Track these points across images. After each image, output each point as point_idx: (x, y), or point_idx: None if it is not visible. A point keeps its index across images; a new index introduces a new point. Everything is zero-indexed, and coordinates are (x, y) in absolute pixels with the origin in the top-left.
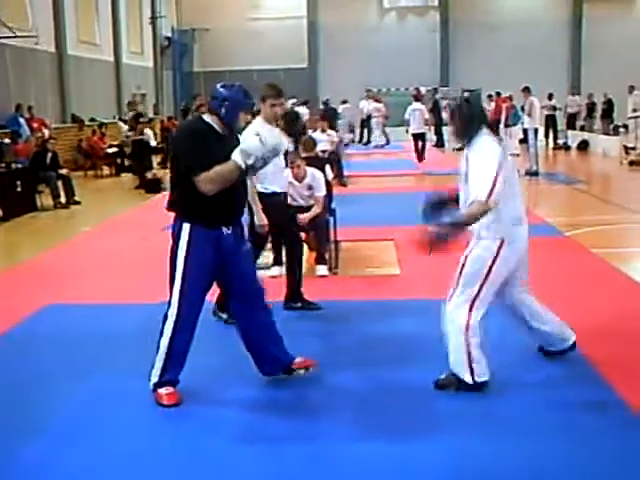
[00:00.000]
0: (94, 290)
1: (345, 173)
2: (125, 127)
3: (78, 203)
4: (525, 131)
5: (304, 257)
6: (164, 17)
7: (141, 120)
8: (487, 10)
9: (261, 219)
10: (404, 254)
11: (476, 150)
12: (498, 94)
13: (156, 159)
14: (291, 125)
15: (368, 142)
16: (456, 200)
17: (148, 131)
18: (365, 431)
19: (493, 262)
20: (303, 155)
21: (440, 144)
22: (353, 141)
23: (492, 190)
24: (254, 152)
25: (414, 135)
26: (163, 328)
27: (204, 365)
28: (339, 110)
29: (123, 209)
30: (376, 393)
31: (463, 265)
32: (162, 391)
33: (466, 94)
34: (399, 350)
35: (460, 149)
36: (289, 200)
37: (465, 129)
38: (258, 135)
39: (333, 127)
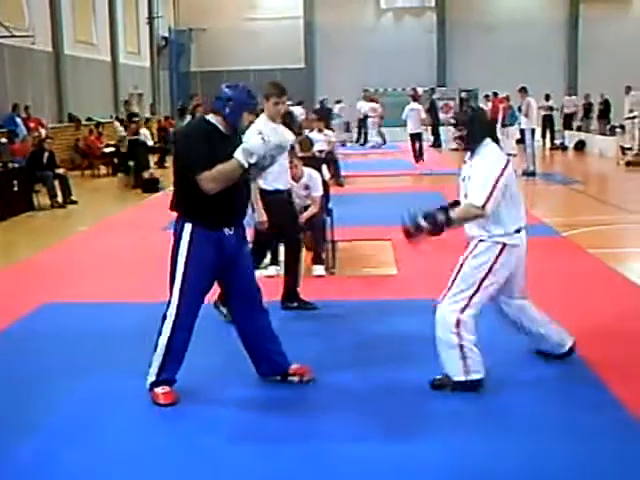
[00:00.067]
0: (91, 289)
1: (342, 173)
2: (121, 127)
3: (75, 203)
4: (522, 131)
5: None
6: (161, 17)
7: (135, 120)
8: (484, 11)
9: (261, 215)
10: (401, 254)
11: (481, 157)
12: (495, 94)
13: (153, 159)
14: (287, 125)
15: (365, 142)
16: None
17: (145, 131)
18: (363, 431)
19: (492, 266)
20: (300, 155)
21: (437, 144)
22: (351, 141)
23: (489, 197)
24: (256, 151)
25: (411, 135)
26: (162, 327)
27: (202, 364)
28: (334, 110)
29: (120, 209)
30: (373, 393)
31: (461, 267)
32: (159, 390)
33: (463, 94)
34: (396, 350)
35: (457, 149)
36: None
37: (473, 137)
38: (260, 134)
39: (329, 127)
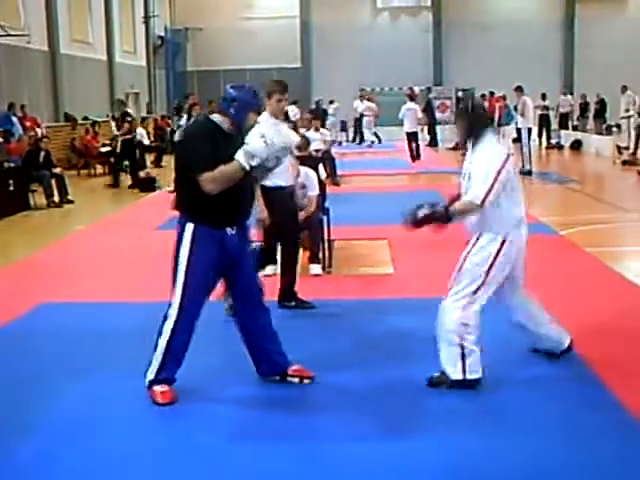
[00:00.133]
0: (89, 288)
1: (338, 172)
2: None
3: (71, 202)
4: (519, 131)
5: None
6: (157, 16)
7: (127, 119)
8: (480, 10)
9: (262, 212)
10: (398, 253)
11: (481, 151)
12: (491, 94)
13: (149, 158)
14: None
15: (362, 141)
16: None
17: (141, 130)
18: (361, 429)
19: (494, 260)
20: (296, 154)
21: (434, 143)
22: (347, 140)
23: (489, 192)
24: (258, 154)
25: (408, 134)
26: (162, 327)
27: (202, 364)
28: (329, 111)
29: (117, 208)
30: (371, 391)
31: (463, 262)
32: (157, 388)
33: (460, 94)
34: (393, 348)
35: (454, 148)
36: None
37: (472, 130)
38: (263, 137)
39: (324, 127)
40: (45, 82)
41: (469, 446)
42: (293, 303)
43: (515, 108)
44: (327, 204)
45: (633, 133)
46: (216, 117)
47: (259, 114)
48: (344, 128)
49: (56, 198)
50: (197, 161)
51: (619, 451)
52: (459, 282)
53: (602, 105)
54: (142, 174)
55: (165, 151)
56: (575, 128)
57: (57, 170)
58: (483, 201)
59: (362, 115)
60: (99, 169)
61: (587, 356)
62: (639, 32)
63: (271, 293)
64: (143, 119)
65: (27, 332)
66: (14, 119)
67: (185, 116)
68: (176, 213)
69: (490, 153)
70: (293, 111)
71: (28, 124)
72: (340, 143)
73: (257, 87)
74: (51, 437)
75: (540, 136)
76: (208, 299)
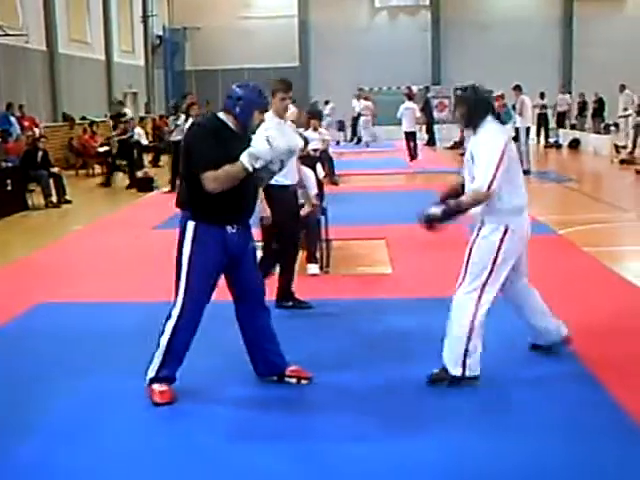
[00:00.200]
0: (87, 288)
1: (336, 172)
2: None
3: (69, 202)
4: (517, 130)
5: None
6: (155, 16)
7: (122, 119)
8: (478, 9)
9: (264, 210)
10: (395, 253)
11: (481, 137)
12: (490, 92)
13: (147, 158)
14: None
15: (359, 141)
16: (456, 195)
17: (139, 130)
18: (360, 429)
19: (499, 249)
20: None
21: (431, 143)
22: (345, 140)
23: (493, 180)
24: (262, 156)
25: (406, 134)
26: (165, 326)
27: (202, 364)
28: (325, 111)
29: (114, 208)
30: (370, 391)
31: (469, 255)
32: (156, 387)
33: (458, 92)
34: (391, 348)
35: (452, 147)
36: None
37: (471, 115)
38: (268, 139)
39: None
40: (43, 82)
41: (469, 446)
42: (290, 303)
43: (513, 107)
44: (325, 204)
45: (631, 132)
46: (223, 115)
47: (265, 113)
48: (342, 128)
49: (54, 198)
50: (200, 159)
51: (618, 450)
52: (469, 274)
53: (600, 104)
54: (140, 174)
55: (163, 151)
56: (573, 127)
57: (55, 170)
58: (489, 187)
59: (360, 114)
60: (97, 169)
61: (585, 355)
62: (638, 31)
63: (269, 293)
64: (141, 119)
65: (26, 332)
66: (12, 119)
67: (183, 116)
68: (177, 211)
69: (492, 136)
70: (290, 109)
71: (26, 124)
72: (337, 142)
73: (262, 86)
74: (51, 437)
75: (538, 135)
76: (211, 298)
